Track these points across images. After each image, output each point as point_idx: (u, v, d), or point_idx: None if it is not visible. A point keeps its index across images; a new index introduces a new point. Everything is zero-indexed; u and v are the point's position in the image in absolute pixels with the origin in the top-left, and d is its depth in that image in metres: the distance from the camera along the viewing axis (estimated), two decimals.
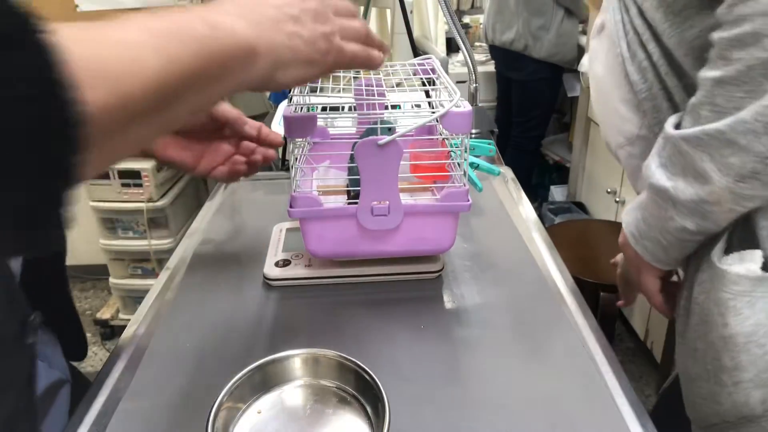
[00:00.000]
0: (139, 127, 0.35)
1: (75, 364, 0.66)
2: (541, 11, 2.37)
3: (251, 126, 0.66)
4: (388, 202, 0.63)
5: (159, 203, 2.06)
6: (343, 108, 0.65)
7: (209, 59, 0.39)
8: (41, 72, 0.27)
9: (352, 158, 0.64)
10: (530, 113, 2.60)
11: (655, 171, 0.57)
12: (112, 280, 2.17)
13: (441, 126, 0.62)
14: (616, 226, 1.59)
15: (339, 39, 0.48)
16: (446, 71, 0.99)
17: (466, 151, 0.62)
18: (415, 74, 0.73)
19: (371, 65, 0.52)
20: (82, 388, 0.58)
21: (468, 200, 0.64)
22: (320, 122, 0.75)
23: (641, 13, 0.61)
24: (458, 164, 0.63)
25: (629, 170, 0.70)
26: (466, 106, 0.59)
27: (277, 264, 0.70)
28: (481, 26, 3.23)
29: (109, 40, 0.33)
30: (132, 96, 0.33)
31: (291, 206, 0.63)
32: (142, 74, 0.34)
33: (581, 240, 1.74)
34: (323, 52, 0.47)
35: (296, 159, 0.63)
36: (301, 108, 0.65)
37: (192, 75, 0.37)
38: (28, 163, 0.28)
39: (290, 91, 0.67)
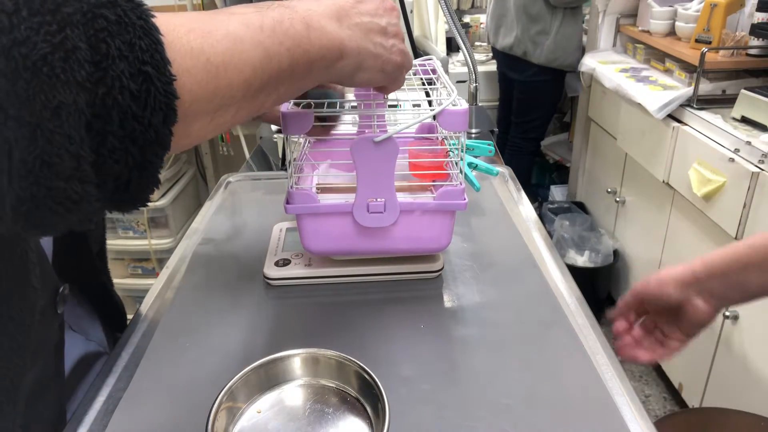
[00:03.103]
0: (226, 111, 0.38)
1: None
2: (539, 17, 2.35)
3: None
4: (384, 200, 0.63)
5: (159, 203, 2.06)
6: (343, 106, 0.64)
7: (301, 57, 0.41)
8: (144, 51, 0.31)
9: None
10: (530, 114, 2.59)
11: None
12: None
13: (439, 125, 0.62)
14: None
15: (407, 56, 0.53)
16: (446, 71, 0.98)
17: (462, 150, 0.62)
18: (415, 74, 0.73)
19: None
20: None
21: (464, 199, 0.64)
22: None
23: None
24: (455, 163, 0.63)
25: None
26: (463, 104, 0.59)
27: (277, 263, 0.70)
28: (482, 26, 3.23)
29: (217, 33, 0.36)
30: (226, 86, 0.36)
31: (287, 202, 0.63)
32: (240, 66, 0.37)
33: None
34: (398, 65, 0.51)
35: (293, 156, 0.63)
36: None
37: (284, 70, 0.40)
38: (127, 127, 0.31)
39: None
